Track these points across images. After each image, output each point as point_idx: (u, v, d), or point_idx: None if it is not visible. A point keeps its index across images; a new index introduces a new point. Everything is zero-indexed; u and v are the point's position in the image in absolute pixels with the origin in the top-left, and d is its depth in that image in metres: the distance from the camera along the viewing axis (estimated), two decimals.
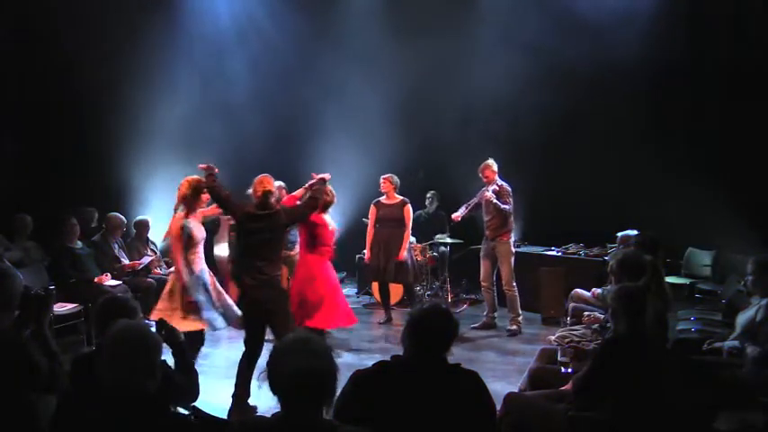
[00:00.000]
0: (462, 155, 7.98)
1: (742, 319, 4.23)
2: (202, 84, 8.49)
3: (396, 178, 7.18)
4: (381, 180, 7.16)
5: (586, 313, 4.97)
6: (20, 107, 7.38)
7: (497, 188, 6.79)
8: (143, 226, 7.37)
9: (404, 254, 7.03)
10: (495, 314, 7.11)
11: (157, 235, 7.80)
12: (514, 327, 6.88)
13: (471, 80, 8.75)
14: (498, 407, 3.08)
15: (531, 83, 8.19)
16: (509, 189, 6.86)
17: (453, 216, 7.09)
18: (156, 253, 7.37)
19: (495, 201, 6.69)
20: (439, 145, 8.63)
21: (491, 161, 6.86)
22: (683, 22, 7.60)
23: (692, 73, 7.49)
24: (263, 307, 4.66)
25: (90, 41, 7.50)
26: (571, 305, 5.74)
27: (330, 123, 8.96)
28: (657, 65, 7.74)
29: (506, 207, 6.76)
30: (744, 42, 7.15)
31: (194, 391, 3.00)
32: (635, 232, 5.62)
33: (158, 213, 7.96)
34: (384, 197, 7.19)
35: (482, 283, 7.12)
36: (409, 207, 7.14)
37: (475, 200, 6.99)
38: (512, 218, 6.91)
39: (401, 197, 7.17)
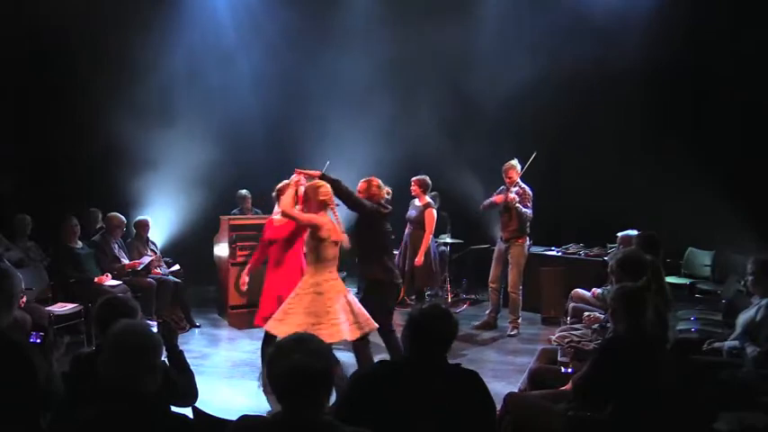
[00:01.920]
0: (462, 155, 7.98)
1: (742, 319, 4.23)
2: (203, 82, 8.47)
3: (424, 180, 6.96)
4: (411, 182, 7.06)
5: (586, 313, 4.98)
6: (20, 107, 7.38)
7: (520, 190, 6.73)
8: (143, 226, 7.37)
9: (420, 258, 6.84)
10: (498, 315, 7.11)
11: (157, 235, 7.82)
12: (514, 331, 6.87)
13: (471, 81, 8.75)
14: (498, 407, 3.08)
15: (531, 83, 8.19)
16: (530, 193, 6.80)
17: (495, 199, 6.85)
18: (155, 253, 7.38)
19: (518, 204, 6.65)
20: (439, 145, 8.63)
21: (515, 162, 6.78)
22: (683, 23, 7.60)
23: (692, 73, 7.50)
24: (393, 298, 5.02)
25: (91, 40, 7.51)
26: (571, 305, 5.74)
27: (330, 124, 8.96)
28: (658, 65, 7.75)
29: (527, 211, 6.71)
30: (744, 43, 7.15)
31: (193, 392, 3.00)
32: (635, 232, 5.61)
33: (158, 213, 7.98)
34: (417, 198, 7.10)
35: (490, 285, 7.10)
36: (431, 211, 6.89)
37: (491, 200, 6.92)
38: (529, 222, 6.84)
39: (428, 200, 7.02)
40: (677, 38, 7.59)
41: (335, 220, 4.63)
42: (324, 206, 4.58)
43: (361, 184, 4.97)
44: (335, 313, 4.37)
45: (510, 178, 6.78)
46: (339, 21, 8.96)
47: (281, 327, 4.32)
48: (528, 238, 6.91)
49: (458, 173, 7.29)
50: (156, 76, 8.02)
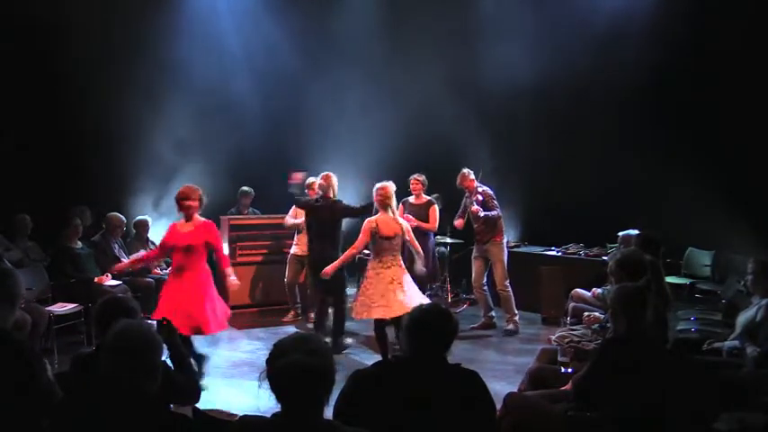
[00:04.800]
0: (462, 155, 7.98)
1: (742, 319, 4.24)
2: (203, 84, 8.46)
3: (424, 178, 7.11)
4: (411, 179, 7.12)
5: (586, 313, 4.97)
6: (20, 107, 7.37)
7: (480, 197, 6.80)
8: (143, 226, 7.37)
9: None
10: (493, 314, 7.12)
11: (157, 235, 7.81)
12: (511, 326, 6.90)
13: (471, 81, 8.76)
14: (498, 407, 3.08)
15: (530, 83, 8.20)
16: (491, 192, 6.90)
17: (456, 223, 7.19)
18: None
19: (482, 214, 6.73)
20: (439, 145, 8.63)
21: (466, 170, 6.89)
22: (683, 22, 7.59)
23: (692, 73, 7.49)
24: None
25: (92, 41, 7.51)
26: (571, 305, 5.74)
27: (330, 124, 8.96)
28: (658, 65, 7.74)
29: (493, 213, 6.79)
30: (744, 43, 7.14)
31: (196, 392, 3.00)
32: (635, 232, 5.62)
33: (158, 213, 7.97)
34: (413, 197, 7.13)
35: (474, 285, 7.15)
36: (435, 208, 7.00)
37: (462, 209, 7.09)
38: (501, 220, 6.92)
39: (428, 197, 7.11)
40: (678, 39, 7.58)
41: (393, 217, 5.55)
42: (383, 206, 5.53)
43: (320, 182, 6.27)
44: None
45: (467, 187, 6.88)
46: (339, 23, 8.96)
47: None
48: (504, 235, 7.00)
49: (457, 173, 7.26)
50: (157, 76, 8.02)
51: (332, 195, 6.31)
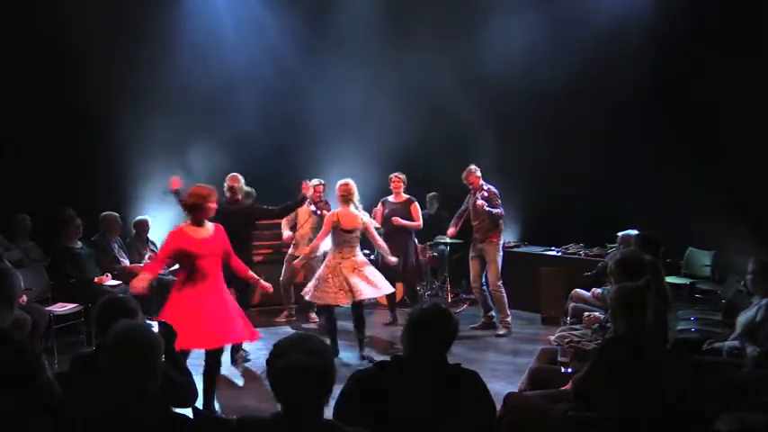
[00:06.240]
0: (461, 153, 7.98)
1: (742, 318, 4.23)
2: (203, 83, 8.46)
3: (405, 176, 7.26)
4: (392, 178, 7.17)
5: (586, 313, 4.97)
6: (20, 107, 7.37)
7: (485, 193, 6.80)
8: (143, 226, 7.37)
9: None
10: (493, 313, 7.12)
11: (157, 234, 7.81)
12: (504, 330, 6.90)
13: (471, 80, 8.75)
14: (498, 407, 3.08)
15: (530, 83, 8.19)
16: (496, 191, 6.89)
17: (448, 232, 7.25)
18: (155, 253, 7.36)
19: (487, 208, 6.72)
20: (438, 145, 8.63)
21: (473, 167, 6.89)
22: (684, 23, 7.59)
23: (692, 73, 7.49)
24: None
25: (92, 42, 7.51)
26: (571, 305, 5.75)
27: (330, 123, 8.95)
28: (658, 65, 7.74)
29: (497, 211, 6.78)
30: (744, 42, 7.14)
31: (194, 393, 3.00)
32: (635, 232, 5.62)
33: (158, 212, 7.97)
34: (392, 196, 7.21)
35: (472, 285, 7.16)
36: (416, 205, 7.18)
37: (463, 208, 7.08)
38: (502, 220, 6.92)
39: (407, 196, 7.22)
40: (678, 39, 7.58)
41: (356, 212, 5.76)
42: (345, 201, 5.76)
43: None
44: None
45: (472, 183, 6.87)
46: (339, 24, 8.95)
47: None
48: (501, 236, 7.00)
49: (457, 173, 7.28)
50: (157, 75, 8.02)
51: (240, 198, 6.19)
